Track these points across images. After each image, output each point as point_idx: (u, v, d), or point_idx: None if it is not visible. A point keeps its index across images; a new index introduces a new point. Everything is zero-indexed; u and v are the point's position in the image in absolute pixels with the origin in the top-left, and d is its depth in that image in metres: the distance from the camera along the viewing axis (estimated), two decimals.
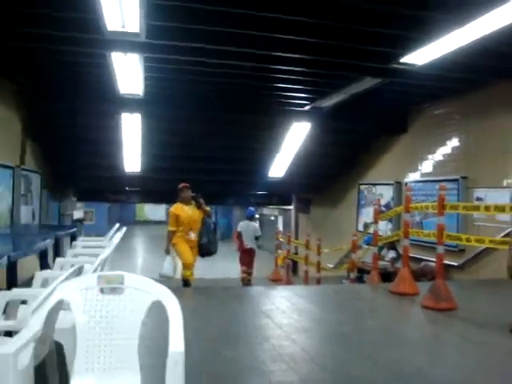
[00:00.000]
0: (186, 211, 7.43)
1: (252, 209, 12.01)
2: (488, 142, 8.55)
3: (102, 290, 2.13)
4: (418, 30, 6.07)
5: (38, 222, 10.90)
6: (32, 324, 2.00)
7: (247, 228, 11.28)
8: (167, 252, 7.42)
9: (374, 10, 5.83)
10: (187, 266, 7.31)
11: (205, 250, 7.53)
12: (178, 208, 7.46)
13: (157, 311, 2.14)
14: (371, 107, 10.52)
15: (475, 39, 5.83)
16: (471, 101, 8.98)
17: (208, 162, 12.70)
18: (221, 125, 11.10)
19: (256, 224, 11.66)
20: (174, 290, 2.21)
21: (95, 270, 2.98)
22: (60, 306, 2.15)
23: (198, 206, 7.54)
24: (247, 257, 11.19)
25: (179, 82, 9.07)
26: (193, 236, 7.38)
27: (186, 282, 7.34)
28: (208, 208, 7.72)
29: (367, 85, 8.45)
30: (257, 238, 11.16)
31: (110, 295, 2.12)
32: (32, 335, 1.95)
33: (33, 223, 10.43)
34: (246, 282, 10.87)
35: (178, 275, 7.65)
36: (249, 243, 11.09)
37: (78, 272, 2.69)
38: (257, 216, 28.35)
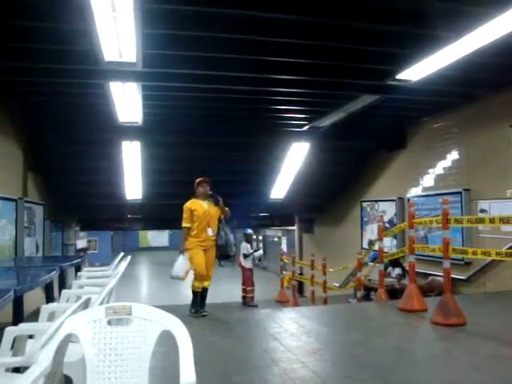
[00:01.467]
0: (203, 206, 6.68)
1: (247, 229, 12.47)
2: (488, 154, 8.57)
3: (109, 322, 2.11)
4: (412, 47, 6.15)
5: (42, 253, 10.88)
6: (41, 359, 1.98)
7: (239, 247, 11.69)
8: (181, 252, 6.68)
9: (368, 29, 5.92)
10: (200, 277, 6.60)
11: (221, 252, 6.87)
12: (194, 203, 6.68)
13: (166, 338, 2.12)
14: (369, 124, 10.59)
15: (468, 54, 5.92)
16: (469, 113, 9.03)
17: None
18: (220, 149, 11.15)
19: (245, 243, 11.93)
20: (180, 316, 2.19)
21: (102, 301, 2.96)
22: (69, 339, 2.13)
23: (216, 203, 6.75)
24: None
25: (177, 108, 9.14)
26: (211, 233, 6.65)
27: (195, 296, 6.70)
28: (227, 208, 6.90)
29: (364, 102, 8.54)
30: (244, 256, 11.66)
31: (119, 327, 2.11)
32: (42, 371, 1.93)
33: (37, 255, 10.40)
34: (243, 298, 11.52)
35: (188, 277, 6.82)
36: (242, 261, 11.68)
37: (85, 304, 2.68)
38: (260, 237, 28.35)
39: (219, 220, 6.87)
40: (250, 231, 12.44)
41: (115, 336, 2.09)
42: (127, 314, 2.12)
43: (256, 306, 11.05)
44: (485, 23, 5.11)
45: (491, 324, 5.57)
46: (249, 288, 11.42)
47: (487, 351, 4.47)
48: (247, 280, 11.55)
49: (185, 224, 6.67)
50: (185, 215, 6.65)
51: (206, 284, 6.71)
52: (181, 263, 6.61)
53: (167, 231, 42.84)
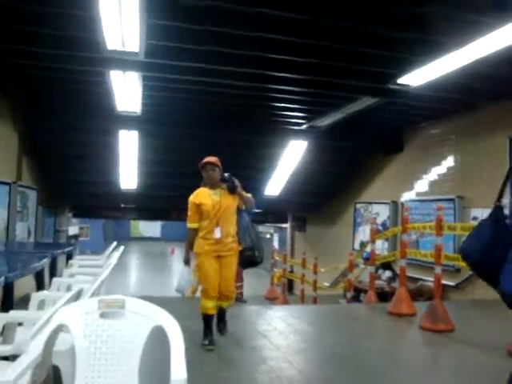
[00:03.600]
0: (212, 197, 4.81)
1: None
2: (484, 162, 8.59)
3: (102, 315, 2.11)
4: (414, 53, 6.15)
5: (34, 238, 10.84)
6: (32, 349, 1.98)
7: None
8: (186, 262, 5.01)
9: (372, 33, 5.90)
10: (210, 296, 4.81)
11: (247, 258, 5.19)
12: (200, 194, 4.87)
13: (157, 333, 2.12)
14: (368, 126, 10.60)
15: (469, 62, 5.92)
16: (467, 122, 9.05)
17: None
18: (217, 143, 11.10)
19: None
20: (170, 310, 2.19)
21: (93, 293, 2.96)
22: (60, 330, 2.13)
23: (232, 190, 4.85)
24: None
25: (176, 100, 9.10)
26: (219, 234, 4.73)
27: (207, 321, 4.84)
28: (249, 195, 5.06)
29: (364, 104, 8.53)
30: None
31: (111, 320, 2.10)
32: (31, 361, 1.93)
33: (28, 240, 10.36)
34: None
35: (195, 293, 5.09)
36: None
37: (77, 295, 2.67)
38: None
39: (239, 212, 5.05)
40: None
41: (107, 329, 2.09)
42: (120, 307, 2.11)
43: (245, 302, 11.05)
44: (488, 33, 5.12)
45: (478, 331, 5.61)
46: (238, 284, 11.36)
47: (473, 358, 4.51)
48: (236, 276, 11.41)
49: (189, 224, 4.90)
50: (189, 212, 4.88)
51: (223, 304, 5.11)
52: (186, 275, 4.97)
53: (159, 222, 42.75)
